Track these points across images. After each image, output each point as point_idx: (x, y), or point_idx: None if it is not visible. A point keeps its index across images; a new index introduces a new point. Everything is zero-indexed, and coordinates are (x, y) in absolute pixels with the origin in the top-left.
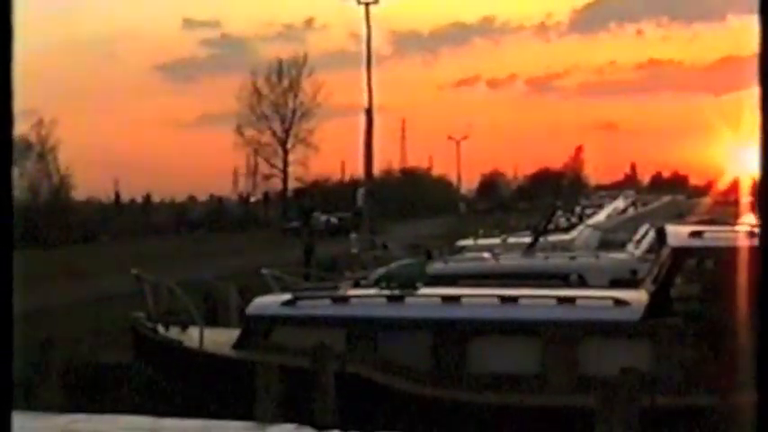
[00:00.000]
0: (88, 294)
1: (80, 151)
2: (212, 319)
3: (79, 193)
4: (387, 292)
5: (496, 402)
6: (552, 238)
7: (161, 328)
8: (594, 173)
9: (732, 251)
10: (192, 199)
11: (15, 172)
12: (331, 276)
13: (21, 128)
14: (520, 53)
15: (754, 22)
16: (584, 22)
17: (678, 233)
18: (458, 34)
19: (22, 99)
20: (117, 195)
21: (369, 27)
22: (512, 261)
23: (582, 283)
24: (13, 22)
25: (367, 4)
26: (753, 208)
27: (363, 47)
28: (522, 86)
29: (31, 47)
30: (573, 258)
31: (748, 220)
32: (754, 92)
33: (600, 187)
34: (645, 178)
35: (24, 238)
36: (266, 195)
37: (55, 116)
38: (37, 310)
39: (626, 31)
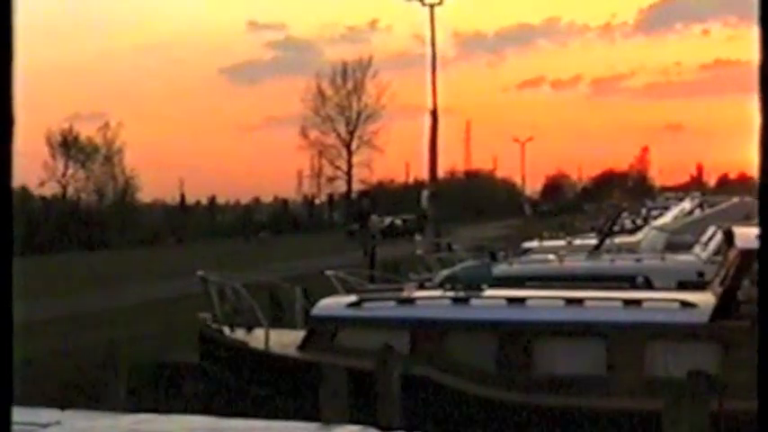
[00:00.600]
0: (154, 296)
1: (146, 153)
2: (277, 321)
3: (145, 195)
4: (452, 293)
5: (561, 405)
6: (618, 239)
7: (227, 330)
8: (660, 174)
9: None
10: (256, 201)
11: (82, 174)
12: (396, 278)
13: (87, 130)
14: (585, 54)
15: None
16: (650, 23)
17: (746, 235)
18: (522, 35)
19: (88, 102)
20: (182, 197)
21: (433, 28)
22: (577, 263)
23: (648, 285)
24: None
25: (432, 6)
26: None
27: (428, 48)
28: (586, 87)
29: (97, 51)
30: (639, 260)
31: None
32: None
33: (665, 189)
34: (711, 180)
35: (90, 240)
36: (330, 197)
37: (121, 119)
38: (103, 310)
39: (692, 31)
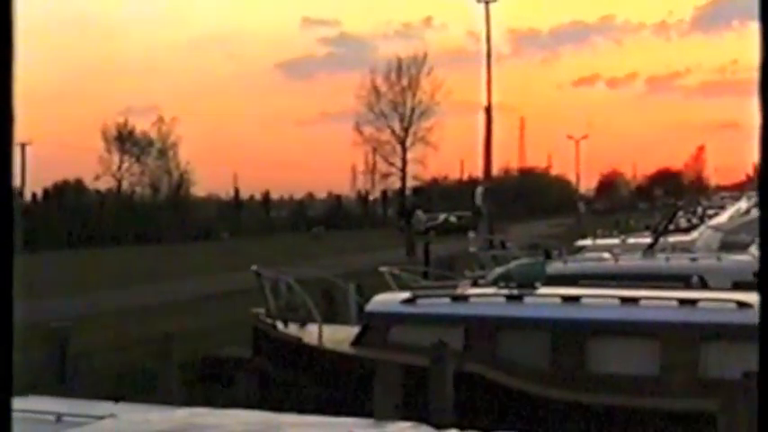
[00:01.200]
0: (207, 290)
1: (200, 148)
2: (331, 316)
3: (199, 190)
4: (506, 291)
5: (614, 404)
6: (673, 238)
7: (280, 325)
8: (715, 173)
9: None
10: (310, 196)
11: (137, 168)
12: (449, 275)
13: (142, 124)
14: (640, 52)
15: None
16: (706, 20)
17: None
18: (577, 33)
19: (143, 96)
20: (236, 192)
21: (488, 25)
22: (632, 262)
23: (703, 284)
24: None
25: (487, 2)
26: None
27: (482, 45)
28: (642, 85)
29: (152, 45)
30: (694, 260)
31: None
32: None
33: (721, 188)
34: None
35: (144, 234)
36: (384, 193)
37: (176, 113)
38: (157, 304)
39: (749, 28)
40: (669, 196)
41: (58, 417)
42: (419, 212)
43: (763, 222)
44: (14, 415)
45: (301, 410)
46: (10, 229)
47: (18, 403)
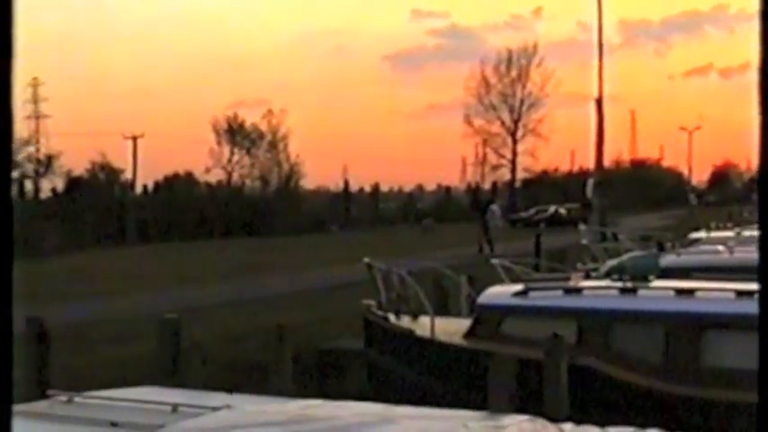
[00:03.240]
0: (317, 282)
1: (310, 140)
2: (442, 308)
3: (309, 182)
4: (619, 284)
5: (730, 399)
6: None
7: (392, 317)
8: None
9: None
10: (420, 188)
11: (247, 160)
12: (560, 267)
13: (252, 117)
14: (754, 41)
15: None
16: None
17: None
18: (689, 22)
19: (254, 89)
20: (346, 184)
21: (600, 16)
22: (748, 254)
23: None
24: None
25: None
26: None
27: (593, 36)
28: (756, 75)
29: (261, 39)
30: None
31: None
32: None
33: None
34: None
35: (254, 226)
36: (494, 185)
37: (286, 106)
38: (267, 296)
39: None
40: None
41: (174, 407)
42: (494, 206)
43: (763, 222)
44: (131, 405)
45: (413, 403)
46: (9, 228)
47: (134, 393)
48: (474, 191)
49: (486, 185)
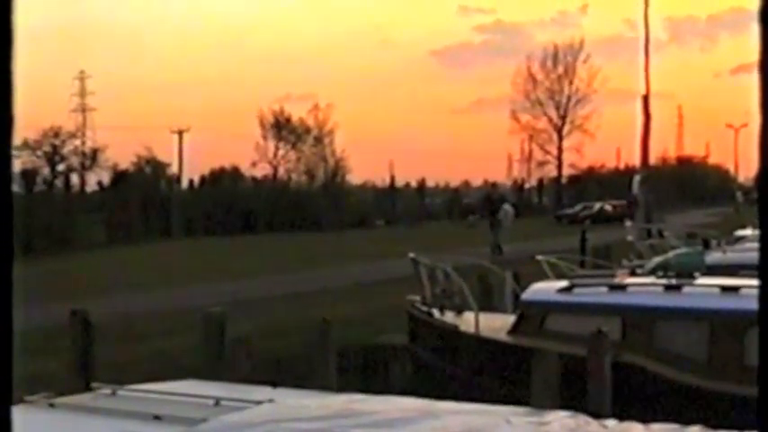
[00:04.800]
0: (362, 277)
1: (356, 135)
2: (487, 304)
3: (355, 177)
4: (664, 281)
5: None
6: None
7: (436, 312)
8: None
9: None
10: (465, 184)
11: (293, 155)
12: (606, 264)
13: (298, 111)
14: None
15: None
16: None
17: None
18: (737, 19)
19: (300, 84)
20: (392, 179)
21: (647, 12)
22: None
23: None
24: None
25: None
26: None
27: (640, 32)
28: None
29: (309, 34)
30: None
31: None
32: None
33: None
34: None
35: (299, 220)
36: (540, 182)
37: (332, 101)
38: (312, 291)
39: None
40: None
41: (217, 401)
42: (507, 206)
43: (763, 223)
44: (175, 398)
45: (457, 398)
46: (10, 227)
47: (177, 387)
48: (490, 187)
49: (532, 181)
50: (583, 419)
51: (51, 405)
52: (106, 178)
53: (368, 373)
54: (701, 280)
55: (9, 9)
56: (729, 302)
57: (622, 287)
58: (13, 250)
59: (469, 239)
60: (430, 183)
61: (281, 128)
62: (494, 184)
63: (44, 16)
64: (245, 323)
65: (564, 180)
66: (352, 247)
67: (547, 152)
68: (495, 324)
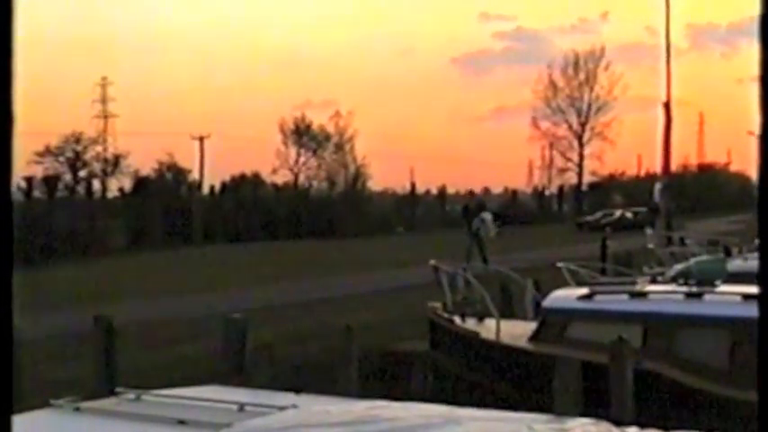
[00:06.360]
0: (382, 284)
1: (377, 142)
2: (508, 311)
3: (375, 184)
4: (685, 288)
5: None
6: None
7: (457, 319)
8: None
9: None
10: (486, 191)
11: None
12: (626, 271)
13: (319, 118)
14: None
15: None
16: None
17: None
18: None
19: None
20: (413, 186)
21: (668, 19)
22: None
23: None
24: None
25: None
26: None
27: (661, 39)
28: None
29: (330, 41)
30: None
31: None
32: None
33: None
34: None
35: (320, 227)
36: (561, 189)
37: (353, 107)
38: (333, 297)
39: None
40: None
41: (241, 406)
42: (485, 214)
43: (763, 224)
44: (198, 403)
45: (478, 405)
46: (10, 229)
47: (201, 392)
48: (469, 199)
49: (553, 189)
50: (604, 426)
51: (77, 409)
52: (128, 184)
53: (389, 379)
54: (723, 288)
55: (9, 10)
56: (751, 310)
57: (644, 294)
58: (12, 249)
59: (490, 246)
60: (450, 189)
61: (302, 134)
62: (471, 192)
63: (66, 24)
64: (267, 329)
65: (584, 187)
66: (373, 254)
67: (568, 159)
68: (516, 331)
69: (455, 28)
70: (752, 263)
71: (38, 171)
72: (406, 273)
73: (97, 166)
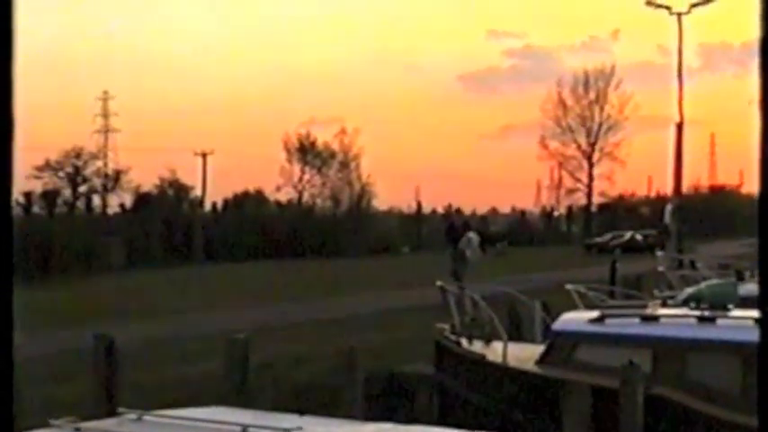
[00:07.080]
0: (387, 305)
1: (382, 160)
2: (515, 334)
3: (380, 203)
4: (697, 312)
5: None
6: None
7: (464, 341)
8: None
9: None
10: (493, 211)
11: (318, 179)
12: (636, 294)
13: (324, 136)
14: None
15: None
16: None
17: None
18: None
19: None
20: (418, 205)
21: (681, 38)
22: None
23: None
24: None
25: (679, 15)
26: None
27: (673, 58)
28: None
29: (335, 58)
30: None
31: None
32: None
33: None
34: None
35: (324, 246)
36: (569, 209)
37: (358, 125)
38: (338, 318)
39: None
40: None
41: (244, 428)
42: (471, 234)
43: (763, 225)
44: (201, 425)
45: (484, 429)
46: (9, 233)
47: (204, 413)
48: (449, 215)
49: (561, 209)
50: None
51: (77, 430)
52: (128, 200)
53: (394, 401)
54: (735, 312)
55: (9, 11)
56: None
57: (654, 318)
58: (12, 254)
59: (498, 267)
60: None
61: (307, 152)
62: (458, 210)
63: (68, 37)
64: (268, 350)
65: (594, 208)
66: (377, 275)
67: (577, 179)
68: (524, 354)
69: (463, 45)
70: None
71: (37, 186)
72: (412, 293)
73: (97, 182)
